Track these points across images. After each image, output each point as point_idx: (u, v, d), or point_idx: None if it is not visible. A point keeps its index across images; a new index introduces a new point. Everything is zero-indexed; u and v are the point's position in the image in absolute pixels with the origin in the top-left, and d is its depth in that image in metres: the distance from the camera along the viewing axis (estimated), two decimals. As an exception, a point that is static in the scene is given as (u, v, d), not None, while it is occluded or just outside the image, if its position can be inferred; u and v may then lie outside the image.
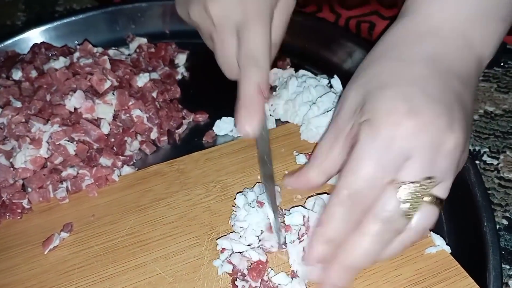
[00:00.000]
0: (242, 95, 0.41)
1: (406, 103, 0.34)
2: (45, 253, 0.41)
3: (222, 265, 0.39)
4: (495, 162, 0.53)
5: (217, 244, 0.40)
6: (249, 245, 0.40)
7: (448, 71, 0.36)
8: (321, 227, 0.35)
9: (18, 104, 0.49)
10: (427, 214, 0.34)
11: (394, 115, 0.33)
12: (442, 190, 0.35)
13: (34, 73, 0.52)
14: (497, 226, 0.43)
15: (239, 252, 0.39)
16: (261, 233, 0.41)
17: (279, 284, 0.37)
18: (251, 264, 0.38)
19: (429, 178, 0.33)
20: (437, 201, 0.34)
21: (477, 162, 0.53)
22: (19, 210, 0.44)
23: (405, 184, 0.33)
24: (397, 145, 0.33)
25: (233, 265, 0.38)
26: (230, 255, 0.39)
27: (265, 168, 0.42)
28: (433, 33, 0.38)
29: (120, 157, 0.49)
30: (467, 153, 0.37)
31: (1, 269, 0.40)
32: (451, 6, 0.38)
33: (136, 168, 0.50)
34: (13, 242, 0.42)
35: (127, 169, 0.49)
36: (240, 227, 0.41)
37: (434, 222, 0.35)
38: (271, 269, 0.38)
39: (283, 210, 0.42)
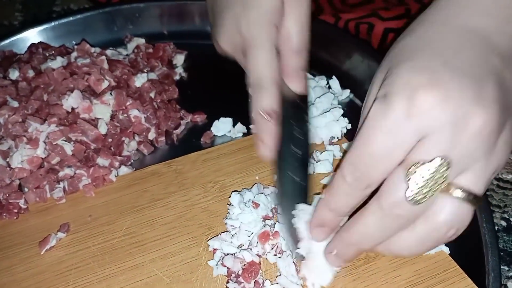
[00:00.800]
0: (253, 121, 0.43)
1: (425, 75, 0.30)
2: (42, 253, 0.41)
3: (217, 267, 0.39)
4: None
5: (208, 245, 0.40)
6: (240, 246, 0.40)
7: (485, 44, 0.32)
8: (326, 196, 0.34)
9: (15, 104, 0.48)
10: (454, 211, 0.31)
11: (410, 87, 0.30)
12: (471, 181, 0.30)
13: (31, 73, 0.52)
14: (496, 228, 0.43)
15: (231, 254, 0.39)
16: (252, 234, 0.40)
17: None
18: (245, 265, 0.38)
19: (443, 158, 0.29)
20: (469, 196, 0.30)
21: (475, 163, 0.53)
22: (15, 210, 0.44)
23: (416, 165, 0.29)
24: (411, 121, 0.29)
25: (227, 267, 0.38)
26: (223, 258, 0.39)
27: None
28: (472, 4, 0.33)
29: (118, 157, 0.49)
30: (507, 140, 0.31)
31: (-3, 270, 0.40)
32: None
33: (134, 169, 0.49)
34: (10, 242, 0.42)
35: (124, 169, 0.49)
36: (231, 226, 0.41)
37: (466, 222, 0.32)
38: (265, 278, 0.38)
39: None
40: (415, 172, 0.29)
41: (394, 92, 0.30)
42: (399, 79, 0.31)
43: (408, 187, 0.30)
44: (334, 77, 0.55)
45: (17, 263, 0.40)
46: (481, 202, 0.31)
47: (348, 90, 0.56)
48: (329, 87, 0.56)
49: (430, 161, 0.29)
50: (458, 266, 0.37)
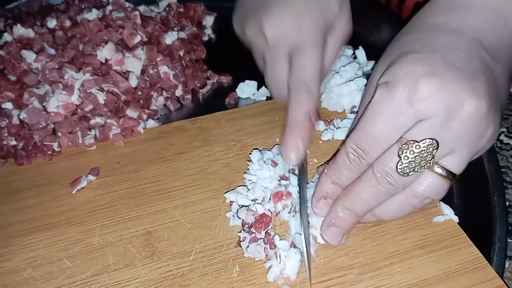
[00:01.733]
0: (291, 120, 0.41)
1: (425, 66, 0.34)
2: (73, 192, 0.44)
3: (233, 218, 0.41)
4: (511, 142, 0.54)
5: (225, 198, 0.42)
6: (254, 200, 0.41)
7: (476, 42, 0.36)
8: (329, 171, 0.38)
9: (52, 51, 0.51)
10: (432, 184, 0.35)
11: (411, 77, 0.33)
12: (453, 162, 0.35)
13: (68, 23, 0.54)
14: (507, 203, 0.44)
15: (245, 206, 0.41)
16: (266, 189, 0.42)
17: (278, 248, 0.38)
18: (256, 217, 0.40)
19: (433, 139, 0.33)
20: (448, 174, 0.35)
21: (493, 142, 0.53)
22: (49, 152, 0.47)
23: (408, 142, 0.33)
24: (411, 107, 0.33)
25: (241, 219, 0.40)
26: (237, 210, 0.41)
27: (303, 193, 0.41)
28: (463, 7, 0.38)
29: (146, 110, 0.51)
30: (494, 131, 0.35)
31: (31, 204, 0.43)
32: None
33: (160, 123, 0.51)
34: (43, 181, 0.45)
35: (151, 123, 0.51)
36: (249, 180, 0.43)
37: (441, 195, 0.36)
38: (276, 234, 0.39)
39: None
40: (408, 149, 0.34)
41: (397, 80, 0.34)
42: (401, 68, 0.34)
43: (399, 161, 0.34)
44: (360, 47, 0.56)
45: (49, 199, 0.43)
46: (457, 180, 0.36)
47: (374, 62, 0.56)
48: (355, 58, 0.56)
49: (421, 141, 0.33)
50: (465, 234, 0.39)
